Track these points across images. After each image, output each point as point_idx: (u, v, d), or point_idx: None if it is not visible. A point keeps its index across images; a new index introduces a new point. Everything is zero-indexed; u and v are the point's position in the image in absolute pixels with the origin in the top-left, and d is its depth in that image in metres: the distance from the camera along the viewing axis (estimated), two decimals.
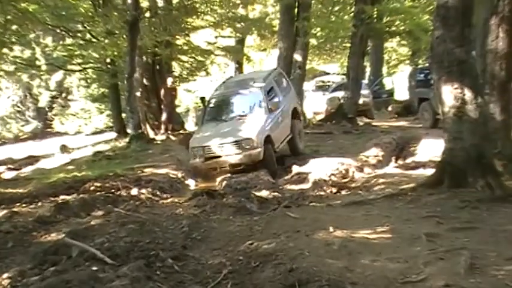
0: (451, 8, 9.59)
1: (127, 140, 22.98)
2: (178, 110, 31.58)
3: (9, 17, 22.51)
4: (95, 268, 6.47)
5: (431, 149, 15.10)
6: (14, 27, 24.10)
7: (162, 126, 24.28)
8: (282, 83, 18.40)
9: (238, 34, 30.85)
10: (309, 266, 6.01)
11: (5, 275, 6.45)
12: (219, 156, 15.47)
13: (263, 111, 16.55)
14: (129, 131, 24.26)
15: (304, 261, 6.28)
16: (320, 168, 14.04)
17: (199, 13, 27.37)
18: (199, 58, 28.86)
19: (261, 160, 15.45)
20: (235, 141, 15.51)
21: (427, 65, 25.23)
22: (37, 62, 30.62)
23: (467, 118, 9.49)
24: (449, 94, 9.53)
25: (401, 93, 32.83)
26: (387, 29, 27.49)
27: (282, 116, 17.10)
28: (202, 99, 17.87)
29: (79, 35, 26.63)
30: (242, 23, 28.54)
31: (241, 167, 15.36)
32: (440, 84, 9.71)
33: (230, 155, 15.42)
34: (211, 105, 17.54)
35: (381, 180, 12.71)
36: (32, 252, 7.49)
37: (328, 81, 32.56)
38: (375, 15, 25.06)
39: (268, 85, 17.40)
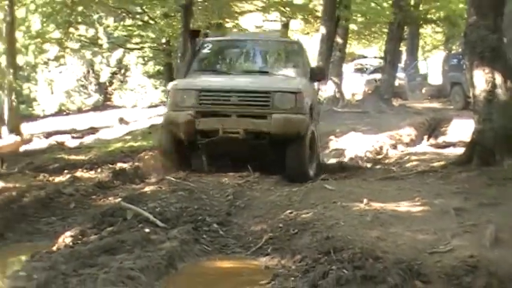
0: None
1: None
2: None
3: None
4: (147, 230, 6.53)
5: (461, 129, 14.91)
6: (80, 8, 24.32)
7: None
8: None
9: (283, 18, 30.70)
10: (344, 235, 5.99)
11: (68, 233, 6.54)
12: (228, 115, 8.93)
13: (301, 74, 10.14)
14: None
15: (339, 230, 6.26)
16: (356, 144, 13.95)
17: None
18: None
19: (297, 139, 9.07)
20: (266, 92, 8.99)
21: (459, 50, 24.87)
22: (99, 41, 30.89)
23: (497, 101, 9.36)
24: (481, 78, 9.40)
25: (435, 77, 32.43)
26: (423, 16, 27.19)
27: (317, 100, 11.36)
28: (194, 34, 10.75)
29: (138, 16, 26.77)
30: (287, 8, 28.39)
31: (264, 140, 9.03)
32: (472, 68, 9.57)
33: (249, 115, 8.93)
34: (207, 50, 10.70)
35: (413, 158, 12.62)
36: (92, 213, 7.58)
37: (366, 64, 32.44)
38: (412, 3, 24.74)
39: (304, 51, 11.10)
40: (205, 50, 10.59)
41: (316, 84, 10.77)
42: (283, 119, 8.84)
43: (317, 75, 10.25)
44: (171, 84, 9.61)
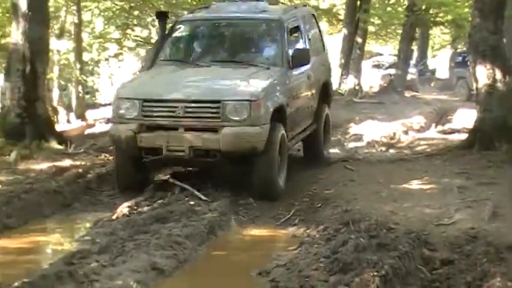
0: (487, 2, 9.33)
1: None
2: None
3: (132, 4, 22.97)
4: (192, 203, 6.58)
5: (465, 118, 14.70)
6: (136, 12, 24.53)
7: None
8: (312, 30, 8.94)
9: None
10: (361, 209, 5.99)
11: (125, 204, 6.62)
12: (175, 128, 6.75)
13: (278, 61, 7.61)
14: None
15: (357, 204, 6.26)
16: (373, 130, 13.84)
17: (280, 3, 27.29)
18: None
19: (263, 155, 6.73)
20: (215, 102, 6.69)
21: (464, 49, 24.58)
22: (152, 40, 31.01)
23: (496, 93, 9.29)
24: (483, 73, 9.33)
25: (442, 72, 32.02)
26: (433, 19, 26.90)
27: (306, 87, 8.18)
28: (162, 15, 8.38)
29: None
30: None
31: (215, 159, 6.72)
32: (475, 65, 9.50)
33: (198, 128, 6.70)
34: (178, 34, 8.22)
35: (422, 142, 12.48)
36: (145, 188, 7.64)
37: (382, 61, 32.07)
38: (423, 7, 24.44)
39: (293, 20, 8.22)
40: (176, 34, 8.13)
41: (303, 70, 7.92)
42: (234, 133, 6.53)
43: (299, 60, 7.61)
44: (116, 89, 7.30)
